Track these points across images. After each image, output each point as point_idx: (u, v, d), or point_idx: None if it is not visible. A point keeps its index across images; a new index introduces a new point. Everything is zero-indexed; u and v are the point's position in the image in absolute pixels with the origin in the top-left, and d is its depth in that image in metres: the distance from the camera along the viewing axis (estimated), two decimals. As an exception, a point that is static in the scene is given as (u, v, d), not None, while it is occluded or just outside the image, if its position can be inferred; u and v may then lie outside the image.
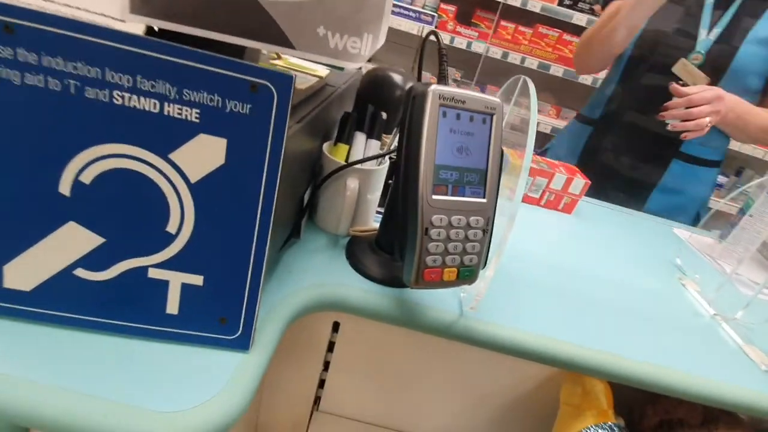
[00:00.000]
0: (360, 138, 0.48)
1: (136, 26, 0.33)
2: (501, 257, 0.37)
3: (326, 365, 0.57)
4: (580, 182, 0.72)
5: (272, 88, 0.25)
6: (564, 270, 0.56)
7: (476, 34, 1.80)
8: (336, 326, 0.53)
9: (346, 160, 0.46)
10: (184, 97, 0.25)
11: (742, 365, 0.48)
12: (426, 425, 0.60)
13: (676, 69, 0.85)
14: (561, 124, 2.10)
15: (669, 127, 0.79)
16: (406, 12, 1.76)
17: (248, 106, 0.25)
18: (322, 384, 0.59)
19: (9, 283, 0.28)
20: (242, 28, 0.33)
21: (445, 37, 1.78)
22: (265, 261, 0.29)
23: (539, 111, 2.08)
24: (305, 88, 0.48)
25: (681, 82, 0.83)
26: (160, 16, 0.32)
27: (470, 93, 0.34)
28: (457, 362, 0.53)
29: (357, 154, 0.47)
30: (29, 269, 0.28)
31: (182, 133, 0.26)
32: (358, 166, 0.45)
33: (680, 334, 0.50)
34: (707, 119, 0.75)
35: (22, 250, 0.27)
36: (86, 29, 0.23)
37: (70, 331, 0.29)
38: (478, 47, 1.86)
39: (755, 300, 0.53)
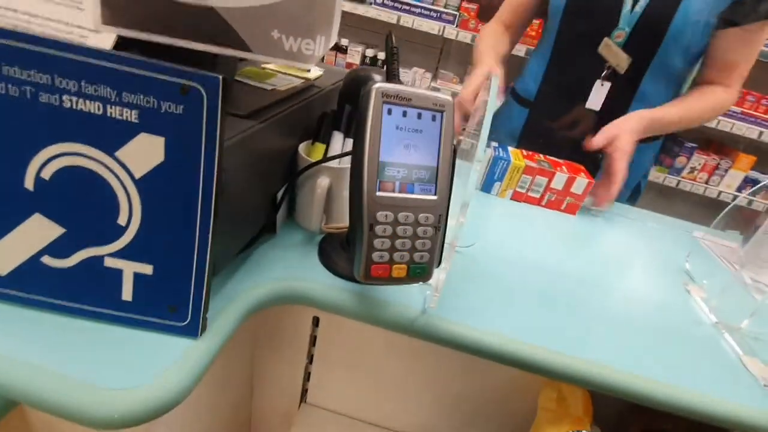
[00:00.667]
0: (338, 137, 0.49)
1: (107, 36, 0.36)
2: (453, 252, 0.36)
3: (311, 359, 0.59)
4: (583, 182, 0.69)
5: (201, 89, 0.27)
6: (554, 273, 0.54)
7: (500, 31, 1.76)
8: (317, 321, 0.55)
9: (322, 158, 0.47)
10: (123, 99, 0.27)
11: (738, 379, 0.44)
12: (407, 422, 0.60)
13: (601, 50, 0.78)
14: None
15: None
16: (428, 12, 1.76)
17: (181, 106, 0.27)
18: (308, 377, 0.61)
19: (-13, 267, 0.31)
20: (203, 35, 0.36)
21: (467, 36, 1.76)
22: (209, 253, 0.31)
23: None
24: (285, 89, 0.50)
25: (607, 64, 0.78)
26: (129, 26, 0.35)
27: (417, 90, 0.34)
28: (436, 361, 0.53)
29: (334, 153, 0.48)
30: (4, 256, 0.31)
31: (125, 132, 0.28)
32: (331, 163, 0.46)
33: (675, 343, 0.47)
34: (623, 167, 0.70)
35: (-4, 238, 0.30)
36: (37, 41, 0.26)
37: (37, 312, 0.32)
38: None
39: (763, 308, 0.49)
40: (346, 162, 0.48)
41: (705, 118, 0.79)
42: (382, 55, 2.00)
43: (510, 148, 0.75)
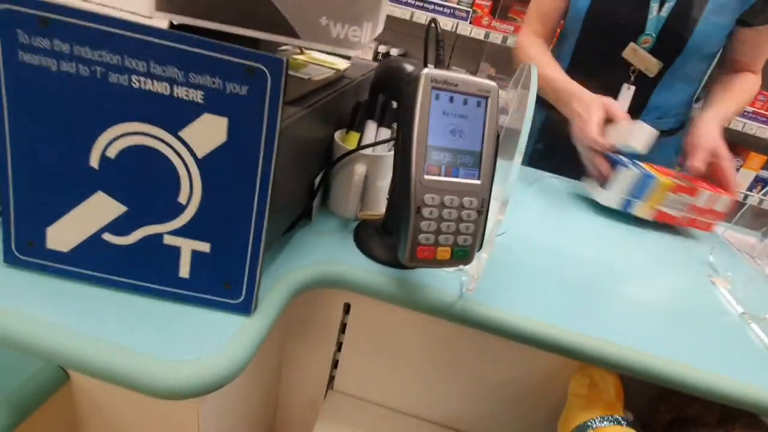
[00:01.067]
0: (371, 126, 0.50)
1: (160, 22, 0.37)
2: (493, 240, 0.37)
3: (340, 346, 0.60)
4: (725, 199, 0.67)
5: (266, 70, 0.28)
6: (584, 263, 0.55)
7: (512, 28, 1.76)
8: (348, 308, 0.55)
9: (357, 146, 0.48)
10: (190, 80, 0.28)
11: (767, 366, 0.45)
12: (435, 410, 0.60)
13: (627, 54, 0.78)
14: None
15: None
16: (441, 8, 1.76)
17: (245, 87, 0.28)
18: (336, 364, 0.62)
19: (50, 244, 0.32)
20: (253, 21, 0.36)
21: (480, 33, 1.76)
22: (264, 233, 0.32)
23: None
24: (319, 79, 0.50)
25: (632, 68, 0.78)
26: (181, 12, 0.36)
27: (464, 76, 0.35)
28: (467, 349, 0.54)
29: (368, 141, 0.49)
30: (66, 232, 0.32)
31: (189, 112, 0.29)
32: (366, 151, 0.47)
33: (702, 330, 0.48)
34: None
35: (60, 215, 0.31)
36: (108, 21, 0.27)
37: (98, 289, 0.33)
38: (514, 42, 1.82)
39: (791, 299, 0.50)
40: (381, 150, 0.49)
41: (748, 103, 0.83)
42: (395, 51, 2.01)
43: (644, 164, 0.73)
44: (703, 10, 0.73)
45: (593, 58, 0.83)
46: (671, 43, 0.76)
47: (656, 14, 0.75)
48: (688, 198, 0.67)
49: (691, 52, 0.76)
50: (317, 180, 0.48)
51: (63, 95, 0.29)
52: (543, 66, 0.81)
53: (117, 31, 0.27)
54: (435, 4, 1.77)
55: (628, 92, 0.81)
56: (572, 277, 0.51)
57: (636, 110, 0.82)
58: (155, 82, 0.28)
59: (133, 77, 0.28)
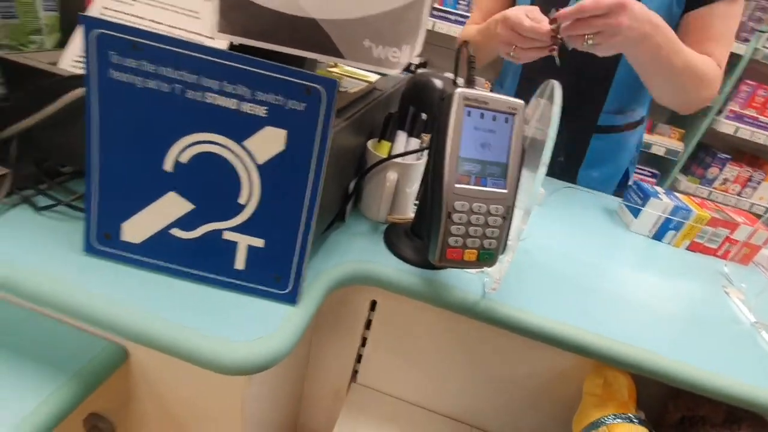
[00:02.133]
0: (401, 136, 0.54)
1: (221, 43, 0.41)
2: (517, 244, 0.41)
3: (363, 341, 0.63)
4: (764, 234, 0.67)
5: (322, 90, 0.32)
6: (600, 268, 0.58)
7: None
8: (373, 305, 0.59)
9: (389, 155, 0.52)
10: (256, 97, 0.32)
11: (777, 371, 0.47)
12: (453, 405, 0.64)
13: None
14: (652, 138, 1.98)
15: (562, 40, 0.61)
16: (463, 19, 1.80)
17: (303, 104, 0.32)
18: (359, 359, 0.66)
19: (125, 236, 0.37)
20: (303, 43, 0.41)
21: (500, 43, 1.80)
22: (312, 232, 0.36)
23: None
24: (354, 91, 0.55)
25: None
26: (241, 34, 0.41)
27: (493, 95, 0.38)
28: (485, 347, 0.57)
29: (398, 150, 0.53)
30: (140, 227, 0.36)
31: (254, 125, 0.33)
32: (397, 160, 0.50)
33: (714, 336, 0.50)
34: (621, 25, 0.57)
35: (135, 211, 0.36)
36: (190, 47, 0.31)
37: (164, 277, 0.38)
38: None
39: (803, 310, 0.52)
40: (410, 159, 0.53)
41: (700, 77, 0.70)
42: (416, 60, 2.04)
43: (681, 195, 0.72)
44: None
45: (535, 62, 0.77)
46: None
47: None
48: (725, 231, 0.67)
49: None
50: (351, 185, 0.52)
51: (145, 108, 0.33)
52: (470, 35, 0.83)
53: (196, 54, 0.31)
54: (457, 14, 1.81)
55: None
56: (589, 283, 0.54)
57: (596, 105, 0.81)
58: (226, 98, 0.32)
59: (207, 94, 0.32)
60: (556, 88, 0.42)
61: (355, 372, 0.67)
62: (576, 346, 0.45)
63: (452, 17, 1.82)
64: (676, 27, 0.74)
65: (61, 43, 0.60)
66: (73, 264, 0.37)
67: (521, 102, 0.39)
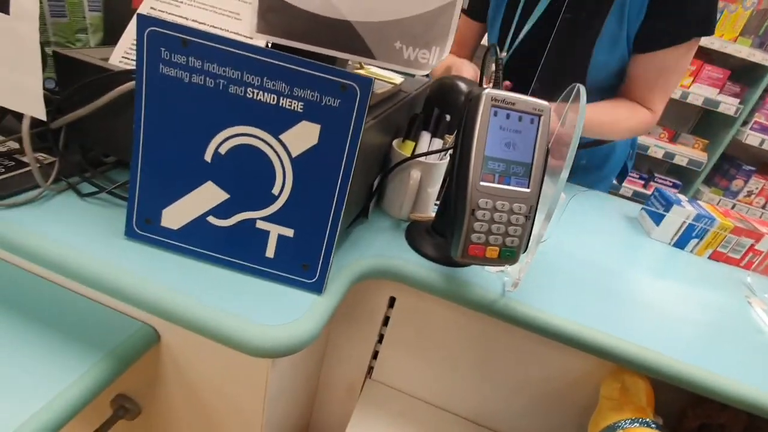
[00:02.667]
0: (425, 136, 0.55)
1: (260, 42, 0.43)
2: (538, 245, 0.41)
3: (381, 338, 0.64)
4: None
5: (357, 88, 0.33)
6: (620, 274, 0.58)
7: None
8: (392, 302, 0.60)
9: (413, 154, 0.53)
10: (294, 93, 0.34)
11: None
12: (468, 406, 0.64)
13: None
14: (674, 148, 1.97)
15: None
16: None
17: (338, 100, 0.34)
18: (376, 355, 0.67)
19: (164, 222, 0.39)
20: (337, 44, 0.43)
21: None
22: (339, 224, 0.37)
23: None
24: (381, 92, 0.56)
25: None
26: (279, 34, 0.43)
27: (520, 96, 0.39)
28: (502, 348, 0.57)
29: (422, 150, 0.54)
30: (179, 213, 0.39)
31: (290, 119, 0.35)
32: (421, 159, 0.52)
33: (735, 345, 0.50)
34: None
35: (175, 199, 0.38)
36: (234, 44, 0.33)
37: (200, 263, 0.40)
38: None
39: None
40: (433, 159, 0.54)
41: (625, 132, 0.78)
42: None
43: (704, 204, 0.72)
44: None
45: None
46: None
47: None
48: (748, 241, 0.67)
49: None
50: (375, 182, 0.53)
51: (190, 101, 0.35)
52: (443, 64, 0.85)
53: (240, 52, 0.33)
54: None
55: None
56: (608, 287, 0.54)
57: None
58: (266, 93, 0.34)
59: (249, 89, 0.34)
60: (582, 92, 0.43)
61: (370, 368, 0.68)
62: (595, 347, 0.45)
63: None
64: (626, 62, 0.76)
65: (104, 42, 0.64)
66: (115, 247, 0.40)
67: (547, 104, 0.40)
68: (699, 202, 0.74)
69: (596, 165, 0.92)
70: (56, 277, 0.45)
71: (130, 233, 0.40)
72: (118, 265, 0.38)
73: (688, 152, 1.95)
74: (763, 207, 1.99)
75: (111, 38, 0.65)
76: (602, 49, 0.74)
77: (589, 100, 0.73)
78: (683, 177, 2.09)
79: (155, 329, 0.46)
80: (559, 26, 0.76)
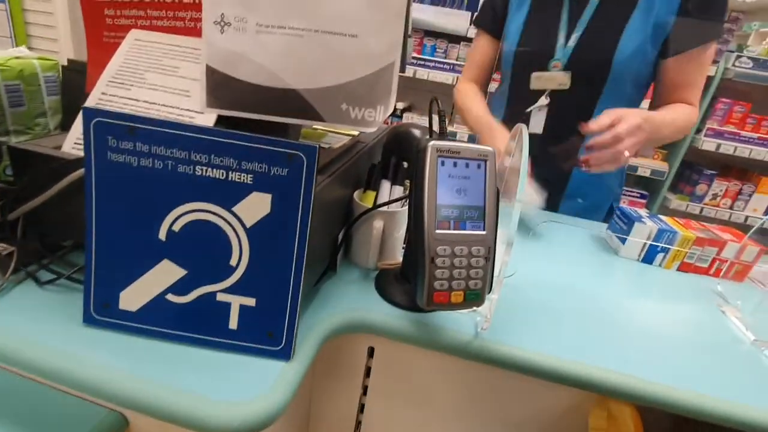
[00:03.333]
0: (385, 185, 0.57)
1: (210, 116, 0.45)
2: (502, 281, 0.42)
3: (365, 390, 0.63)
4: (754, 250, 0.68)
5: (302, 156, 0.34)
6: (590, 297, 0.59)
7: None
8: (372, 351, 0.59)
9: (374, 204, 0.54)
10: (242, 167, 0.35)
11: (782, 392, 0.47)
12: (461, 451, 0.62)
13: (534, 85, 0.86)
14: (636, 161, 2.06)
15: (585, 169, 0.73)
16: (441, 65, 1.91)
17: (286, 169, 0.35)
18: (363, 409, 0.65)
19: (123, 305, 0.38)
20: (286, 111, 0.44)
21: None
22: (301, 287, 0.37)
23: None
24: (339, 146, 0.58)
25: (546, 91, 0.85)
26: (228, 107, 0.44)
27: (464, 144, 0.41)
28: (486, 388, 0.57)
29: (383, 198, 0.56)
30: (136, 295, 0.38)
31: (241, 191, 0.35)
32: (383, 208, 0.53)
33: (716, 359, 0.50)
34: (627, 153, 0.70)
35: (132, 280, 0.38)
36: (180, 127, 0.34)
37: (160, 342, 0.39)
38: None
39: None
40: (394, 207, 0.55)
41: (687, 128, 0.84)
42: (400, 105, 2.14)
43: (665, 218, 0.75)
44: (617, 38, 0.80)
45: (524, 93, 0.91)
46: (589, 67, 0.83)
47: (564, 43, 0.84)
48: (713, 250, 0.69)
49: (618, 76, 0.82)
50: (340, 235, 0.54)
51: (140, 184, 0.36)
52: (470, 104, 0.95)
53: (186, 133, 0.34)
54: (435, 61, 1.92)
55: (539, 114, 0.89)
56: (582, 312, 0.55)
57: (579, 135, 0.86)
58: (214, 170, 0.35)
59: (197, 167, 0.35)
60: (524, 132, 0.45)
61: (358, 423, 0.66)
62: (575, 380, 0.45)
63: (431, 64, 1.93)
64: (651, 66, 0.84)
65: (63, 123, 0.65)
66: (73, 335, 0.39)
67: (491, 149, 0.42)
68: (660, 216, 0.76)
69: (582, 189, 0.94)
70: (17, 369, 0.43)
71: (88, 320, 0.39)
72: (75, 355, 0.37)
73: (648, 163, 2.04)
74: (731, 208, 2.06)
75: (70, 119, 0.66)
76: (628, 41, 0.80)
77: (614, 90, 0.82)
78: (649, 187, 2.17)
79: (123, 415, 0.44)
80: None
